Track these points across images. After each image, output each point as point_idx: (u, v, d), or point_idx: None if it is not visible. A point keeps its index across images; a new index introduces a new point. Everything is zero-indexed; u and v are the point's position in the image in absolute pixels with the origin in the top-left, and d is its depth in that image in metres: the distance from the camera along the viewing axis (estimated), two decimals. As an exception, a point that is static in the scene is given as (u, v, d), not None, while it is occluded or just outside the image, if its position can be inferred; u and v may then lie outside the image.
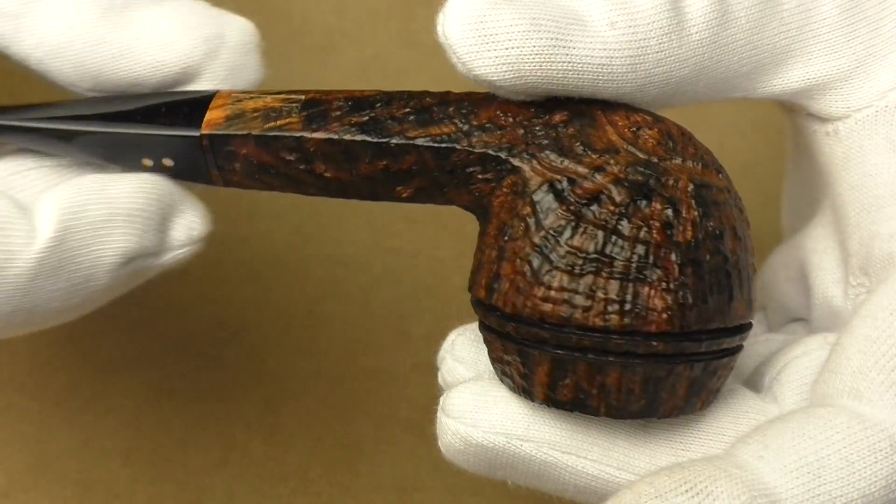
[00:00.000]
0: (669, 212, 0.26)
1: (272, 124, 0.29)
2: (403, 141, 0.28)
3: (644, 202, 0.26)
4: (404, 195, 0.29)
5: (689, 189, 0.27)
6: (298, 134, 0.29)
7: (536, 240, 0.27)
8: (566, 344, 0.27)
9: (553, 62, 0.27)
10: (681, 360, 0.27)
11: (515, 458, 0.28)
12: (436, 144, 0.28)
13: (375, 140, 0.28)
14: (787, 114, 0.32)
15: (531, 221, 0.27)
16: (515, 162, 0.27)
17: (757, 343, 0.32)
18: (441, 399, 0.29)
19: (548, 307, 0.26)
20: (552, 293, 0.26)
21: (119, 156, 0.31)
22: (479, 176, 0.28)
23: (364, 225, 0.44)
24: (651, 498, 0.24)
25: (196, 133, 0.30)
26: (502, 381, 0.28)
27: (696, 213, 0.26)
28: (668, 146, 0.27)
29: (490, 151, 0.28)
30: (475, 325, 0.30)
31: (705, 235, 0.27)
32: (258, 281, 0.45)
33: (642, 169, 0.27)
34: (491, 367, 0.29)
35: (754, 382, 0.31)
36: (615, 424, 0.28)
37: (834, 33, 0.29)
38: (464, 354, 0.30)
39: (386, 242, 0.44)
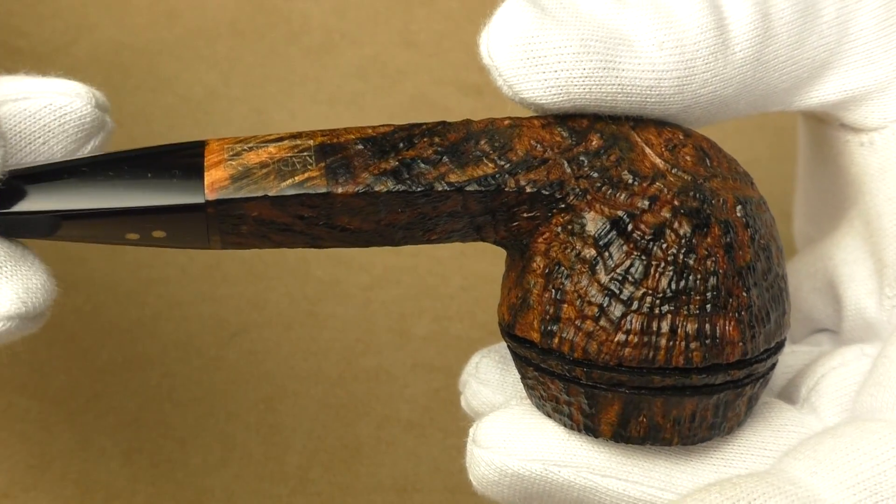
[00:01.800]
0: (728, 237, 0.26)
1: (290, 181, 0.26)
2: (447, 188, 0.26)
3: (705, 230, 0.26)
4: (433, 238, 0.27)
5: (737, 208, 0.26)
6: (324, 190, 0.26)
7: (605, 281, 0.26)
8: (645, 386, 0.26)
9: (603, 85, 0.26)
10: (749, 381, 0.27)
11: (553, 486, 0.27)
12: (482, 188, 0.26)
13: (416, 189, 0.26)
14: (811, 123, 0.32)
15: (595, 262, 0.26)
16: (570, 200, 0.26)
17: (783, 354, 0.32)
18: (471, 430, 0.28)
19: (628, 352, 0.26)
20: (631, 337, 0.26)
21: (101, 236, 0.27)
22: (525, 214, 0.27)
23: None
24: None
25: (200, 200, 0.26)
26: (551, 415, 0.27)
27: (747, 232, 0.26)
28: (705, 163, 0.27)
29: (543, 191, 0.26)
30: (498, 347, 0.29)
31: (758, 253, 0.26)
32: (258, 281, 0.45)
33: (693, 193, 0.26)
34: (519, 390, 0.28)
35: (788, 394, 0.30)
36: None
37: (871, 45, 0.29)
38: (489, 377, 0.29)
39: (386, 242, 0.44)
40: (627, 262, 0.26)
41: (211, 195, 0.26)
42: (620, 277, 0.26)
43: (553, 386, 0.27)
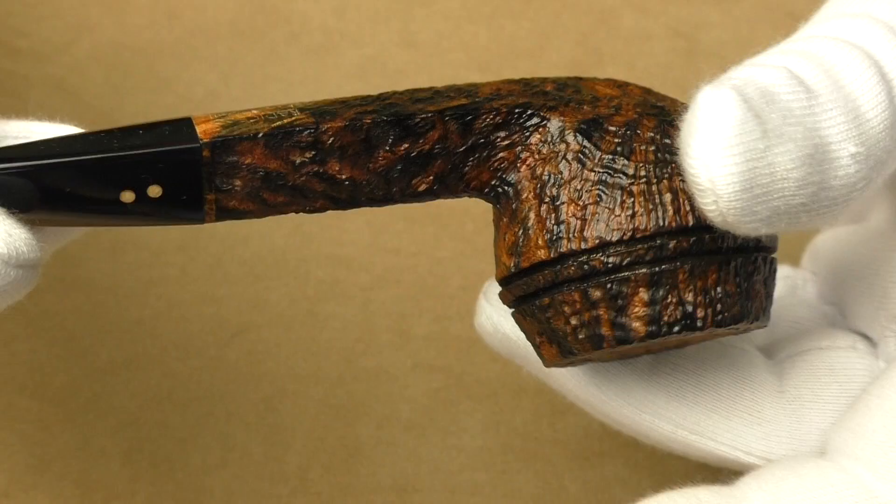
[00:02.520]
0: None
1: (279, 123, 0.27)
2: (427, 115, 0.27)
3: (671, 124, 0.27)
4: (421, 187, 0.28)
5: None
6: (313, 126, 0.27)
7: (599, 169, 0.27)
8: (664, 255, 0.26)
9: (817, 208, 0.24)
10: (758, 252, 0.27)
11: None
12: (460, 113, 0.27)
13: (398, 117, 0.27)
14: None
15: (583, 154, 0.27)
16: (543, 113, 0.27)
17: (795, 305, 0.32)
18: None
19: (639, 220, 0.26)
20: (637, 206, 0.26)
21: (93, 191, 0.26)
22: (503, 143, 0.28)
23: (364, 225, 0.44)
24: None
25: (195, 144, 0.27)
26: (577, 344, 0.27)
27: None
28: (650, 93, 0.28)
29: (516, 109, 0.27)
30: None
31: None
32: (258, 281, 0.45)
33: (650, 104, 0.28)
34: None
35: (770, 350, 0.31)
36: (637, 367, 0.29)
37: None
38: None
39: (386, 242, 0.44)
40: (613, 146, 0.27)
41: (205, 139, 0.27)
42: (610, 159, 0.27)
43: (573, 300, 0.27)
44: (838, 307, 0.32)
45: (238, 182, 0.27)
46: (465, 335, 0.41)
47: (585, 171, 0.27)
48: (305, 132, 0.27)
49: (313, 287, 0.45)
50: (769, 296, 0.28)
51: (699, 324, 0.27)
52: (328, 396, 0.42)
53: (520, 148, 0.28)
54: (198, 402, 0.42)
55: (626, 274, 0.26)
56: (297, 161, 0.27)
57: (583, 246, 0.27)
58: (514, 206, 0.28)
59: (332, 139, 0.27)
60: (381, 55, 0.49)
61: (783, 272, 0.33)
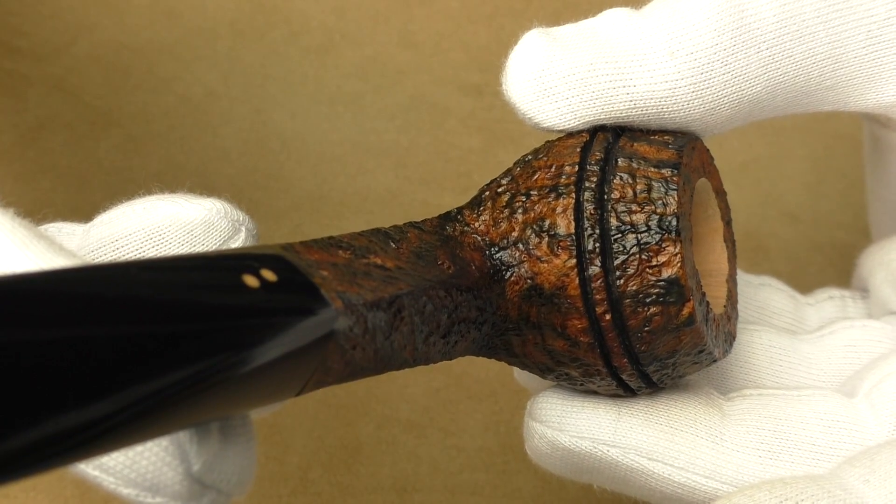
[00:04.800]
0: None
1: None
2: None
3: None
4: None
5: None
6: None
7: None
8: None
9: (614, 103, 0.27)
10: None
11: (602, 463, 0.28)
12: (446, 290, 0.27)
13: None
14: (873, 126, 0.32)
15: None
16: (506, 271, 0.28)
17: (853, 328, 0.32)
18: (528, 403, 0.29)
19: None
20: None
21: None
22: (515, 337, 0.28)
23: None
24: None
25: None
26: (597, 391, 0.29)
27: None
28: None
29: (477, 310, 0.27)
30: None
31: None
32: (258, 281, 0.45)
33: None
34: None
35: (853, 386, 0.30)
36: (700, 432, 0.28)
37: None
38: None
39: (386, 242, 0.44)
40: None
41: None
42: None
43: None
44: None
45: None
46: (465, 335, 0.41)
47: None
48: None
49: (313, 287, 0.45)
50: None
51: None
52: (328, 396, 0.42)
53: (504, 295, 0.28)
54: (198, 402, 0.42)
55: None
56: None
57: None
58: (534, 336, 0.28)
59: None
60: (381, 55, 0.49)
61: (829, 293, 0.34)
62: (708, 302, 0.28)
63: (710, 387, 0.30)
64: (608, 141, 0.27)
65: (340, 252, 0.25)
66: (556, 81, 0.27)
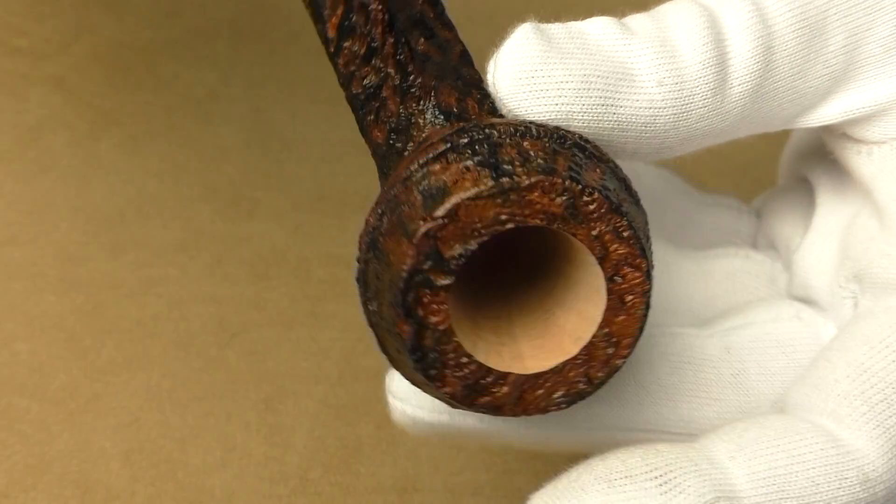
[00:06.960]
0: None
1: None
2: None
3: None
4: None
5: None
6: None
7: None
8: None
9: (601, 121, 0.27)
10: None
11: (461, 430, 0.30)
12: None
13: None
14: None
15: None
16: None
17: (736, 256, 0.33)
18: (386, 378, 0.31)
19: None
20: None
21: None
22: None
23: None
24: (621, 477, 0.25)
25: None
26: None
27: None
28: None
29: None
30: None
31: None
32: (258, 281, 0.45)
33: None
34: None
35: (711, 322, 0.31)
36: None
37: (878, 69, 0.29)
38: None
39: (386, 242, 0.44)
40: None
41: None
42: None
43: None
44: (783, 263, 0.33)
45: None
46: (466, 335, 0.41)
47: None
48: None
49: (314, 286, 0.45)
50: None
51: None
52: (328, 396, 0.42)
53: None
54: (198, 402, 0.42)
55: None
56: None
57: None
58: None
59: None
60: (381, 55, 0.49)
61: (728, 201, 0.35)
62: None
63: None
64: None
65: None
66: (549, 86, 0.27)
